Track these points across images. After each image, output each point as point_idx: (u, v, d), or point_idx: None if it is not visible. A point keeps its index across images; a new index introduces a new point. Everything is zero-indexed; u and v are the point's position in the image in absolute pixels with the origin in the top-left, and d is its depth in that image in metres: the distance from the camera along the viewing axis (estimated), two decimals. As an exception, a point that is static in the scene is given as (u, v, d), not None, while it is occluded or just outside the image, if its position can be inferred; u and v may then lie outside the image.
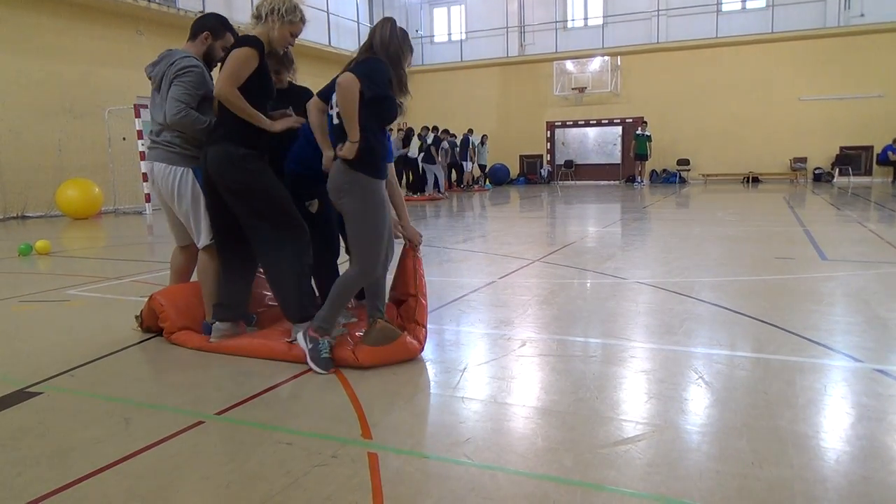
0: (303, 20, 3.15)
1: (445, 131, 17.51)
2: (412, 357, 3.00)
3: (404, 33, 2.91)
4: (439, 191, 16.17)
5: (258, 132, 3.06)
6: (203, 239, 3.31)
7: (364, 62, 2.79)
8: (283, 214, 3.09)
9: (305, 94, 3.70)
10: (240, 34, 3.15)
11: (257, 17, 3.10)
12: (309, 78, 3.82)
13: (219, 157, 3.04)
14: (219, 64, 3.26)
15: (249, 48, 2.97)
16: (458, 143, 18.08)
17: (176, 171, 3.28)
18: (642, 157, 19.46)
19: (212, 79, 3.31)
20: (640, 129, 19.73)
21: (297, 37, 3.18)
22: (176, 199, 3.32)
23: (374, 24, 2.99)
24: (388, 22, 2.90)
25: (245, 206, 3.09)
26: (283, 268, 3.11)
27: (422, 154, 15.84)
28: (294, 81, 3.64)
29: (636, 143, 19.48)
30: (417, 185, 16.12)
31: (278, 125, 3.09)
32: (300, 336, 2.99)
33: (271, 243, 3.10)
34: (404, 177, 16.22)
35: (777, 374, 2.69)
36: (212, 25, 3.43)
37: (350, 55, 2.92)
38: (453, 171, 18.35)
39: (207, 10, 14.94)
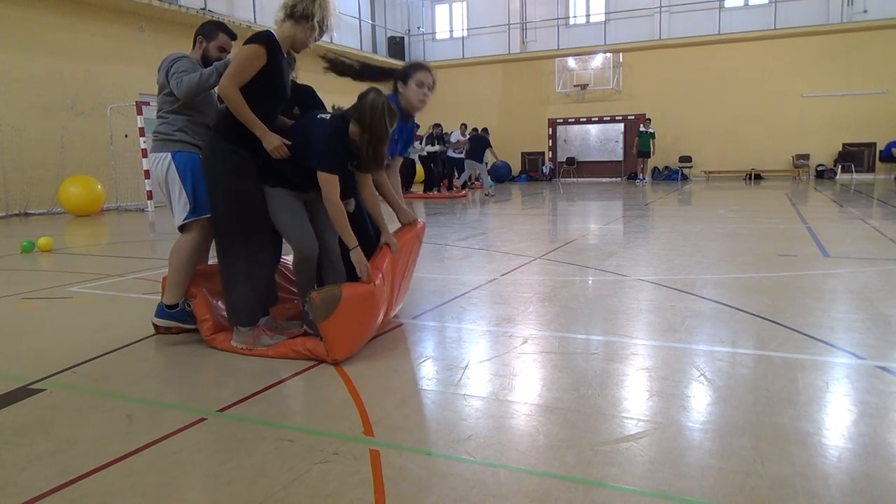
0: (330, 29, 3.16)
1: (485, 129, 17.30)
2: (369, 298, 2.96)
3: (391, 111, 2.97)
4: (464, 186, 16.09)
5: (250, 132, 2.99)
6: (178, 219, 3.34)
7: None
8: (243, 221, 3.05)
9: (308, 92, 3.70)
10: (244, 32, 3.13)
11: (295, 17, 3.00)
12: (310, 75, 3.81)
13: (205, 147, 3.12)
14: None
15: (257, 45, 2.90)
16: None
17: (159, 156, 3.35)
18: (645, 154, 19.44)
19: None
20: (643, 126, 19.70)
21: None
22: (162, 184, 3.38)
23: (367, 92, 3.02)
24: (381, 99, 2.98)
25: (213, 199, 3.12)
26: (235, 272, 3.11)
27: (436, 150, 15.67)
28: (296, 79, 3.64)
29: (639, 140, 19.46)
30: (430, 183, 15.99)
31: (273, 143, 2.96)
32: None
33: (227, 244, 3.11)
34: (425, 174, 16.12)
35: (779, 372, 2.69)
36: (205, 30, 3.46)
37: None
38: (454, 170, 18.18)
39: (209, 8, 14.99)
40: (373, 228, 3.47)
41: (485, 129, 16.96)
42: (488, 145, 15.74)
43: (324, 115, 3.10)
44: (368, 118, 2.93)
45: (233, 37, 3.49)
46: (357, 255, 3.04)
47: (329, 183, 2.96)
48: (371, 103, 2.94)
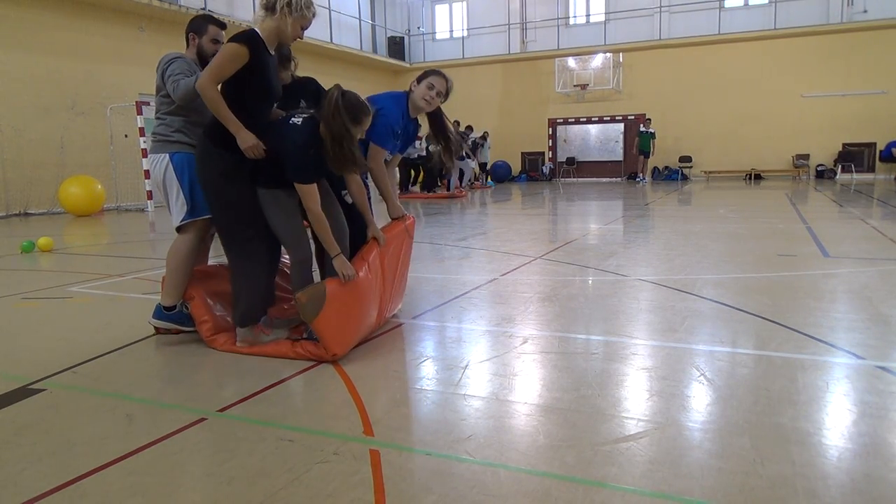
0: (314, 13, 3.09)
1: (469, 127, 17.26)
2: (354, 288, 2.97)
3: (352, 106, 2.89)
4: (463, 186, 16.01)
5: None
6: (175, 220, 3.34)
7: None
8: (234, 222, 3.07)
9: (310, 84, 3.69)
10: (243, 29, 3.11)
11: (268, 8, 2.99)
12: (310, 75, 3.81)
13: (196, 150, 3.14)
14: None
15: (236, 44, 2.88)
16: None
17: (157, 158, 3.35)
18: (645, 154, 19.42)
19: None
20: (643, 126, 19.68)
21: (306, 30, 3.12)
22: (160, 185, 3.38)
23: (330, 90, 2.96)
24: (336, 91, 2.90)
25: (207, 201, 3.14)
26: (236, 272, 3.14)
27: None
28: (294, 73, 3.63)
29: (639, 140, 19.43)
30: (429, 183, 15.94)
31: (248, 141, 2.92)
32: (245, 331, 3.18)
33: (226, 244, 3.13)
34: (418, 174, 16.08)
35: (779, 372, 2.69)
36: (194, 26, 3.44)
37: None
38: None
39: (209, 8, 14.98)
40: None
41: (469, 127, 16.91)
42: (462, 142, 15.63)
43: (296, 120, 3.01)
44: (326, 115, 2.86)
45: (222, 26, 3.48)
46: (340, 262, 2.99)
47: (307, 193, 2.93)
48: (328, 100, 2.87)
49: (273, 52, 3.09)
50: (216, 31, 3.43)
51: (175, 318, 3.30)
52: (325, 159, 2.99)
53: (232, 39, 2.92)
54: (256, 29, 3.01)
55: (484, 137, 19.18)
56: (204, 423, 2.31)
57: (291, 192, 3.05)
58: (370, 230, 3.32)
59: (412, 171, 16.47)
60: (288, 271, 3.73)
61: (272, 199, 3.06)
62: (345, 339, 2.96)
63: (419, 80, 3.51)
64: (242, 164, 3.01)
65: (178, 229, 3.34)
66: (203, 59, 3.39)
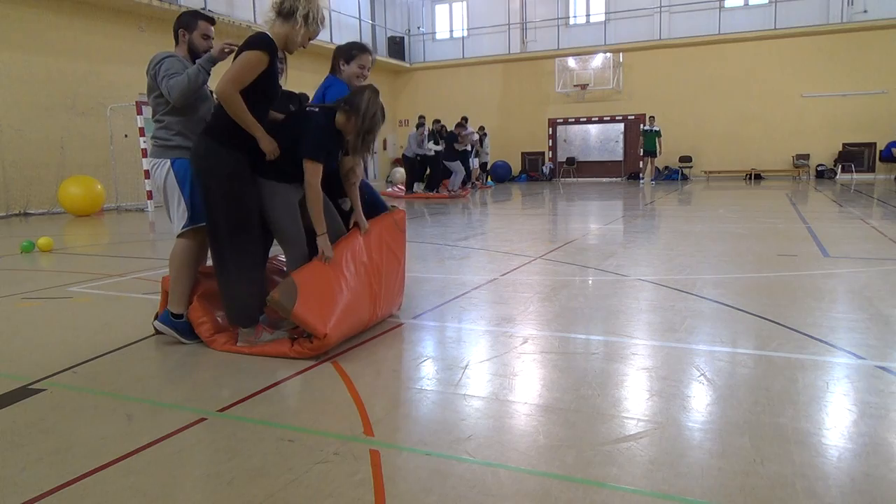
0: (323, 24, 3.15)
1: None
2: (321, 268, 3.07)
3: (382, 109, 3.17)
4: (454, 189, 15.96)
5: (246, 134, 3.01)
6: (177, 227, 3.34)
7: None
8: (239, 222, 3.07)
9: (305, 101, 3.74)
10: (256, 33, 3.09)
11: (283, 14, 3.01)
12: (309, 75, 3.83)
13: (196, 147, 3.12)
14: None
15: (262, 52, 2.92)
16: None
17: (158, 163, 3.34)
18: (651, 153, 19.19)
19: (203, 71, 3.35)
20: (647, 124, 19.49)
21: (312, 40, 3.18)
22: (160, 190, 3.38)
23: (362, 92, 3.16)
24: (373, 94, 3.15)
25: (207, 202, 3.12)
26: (232, 274, 3.12)
27: (441, 150, 15.52)
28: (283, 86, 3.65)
29: (643, 139, 19.22)
30: (433, 182, 15.85)
31: (270, 145, 3.04)
32: (247, 332, 3.18)
33: (223, 247, 3.11)
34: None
35: (779, 371, 2.69)
36: (184, 22, 3.43)
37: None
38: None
39: (209, 8, 14.99)
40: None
41: (460, 124, 16.80)
42: (453, 141, 15.55)
43: (313, 107, 3.22)
44: (363, 110, 3.08)
45: (212, 22, 3.47)
46: (323, 242, 3.14)
47: (313, 171, 3.08)
48: (369, 100, 3.10)
49: (280, 55, 3.12)
50: (206, 26, 3.42)
51: (180, 328, 3.29)
52: (337, 148, 3.19)
53: (253, 46, 2.93)
54: (268, 32, 3.02)
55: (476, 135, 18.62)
56: (204, 423, 2.31)
57: (297, 187, 3.14)
58: (354, 216, 3.43)
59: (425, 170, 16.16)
60: (281, 266, 3.74)
61: (277, 191, 3.13)
62: (327, 316, 2.96)
63: (348, 60, 3.58)
64: (247, 163, 3.06)
65: (179, 235, 3.34)
66: (194, 55, 3.38)
